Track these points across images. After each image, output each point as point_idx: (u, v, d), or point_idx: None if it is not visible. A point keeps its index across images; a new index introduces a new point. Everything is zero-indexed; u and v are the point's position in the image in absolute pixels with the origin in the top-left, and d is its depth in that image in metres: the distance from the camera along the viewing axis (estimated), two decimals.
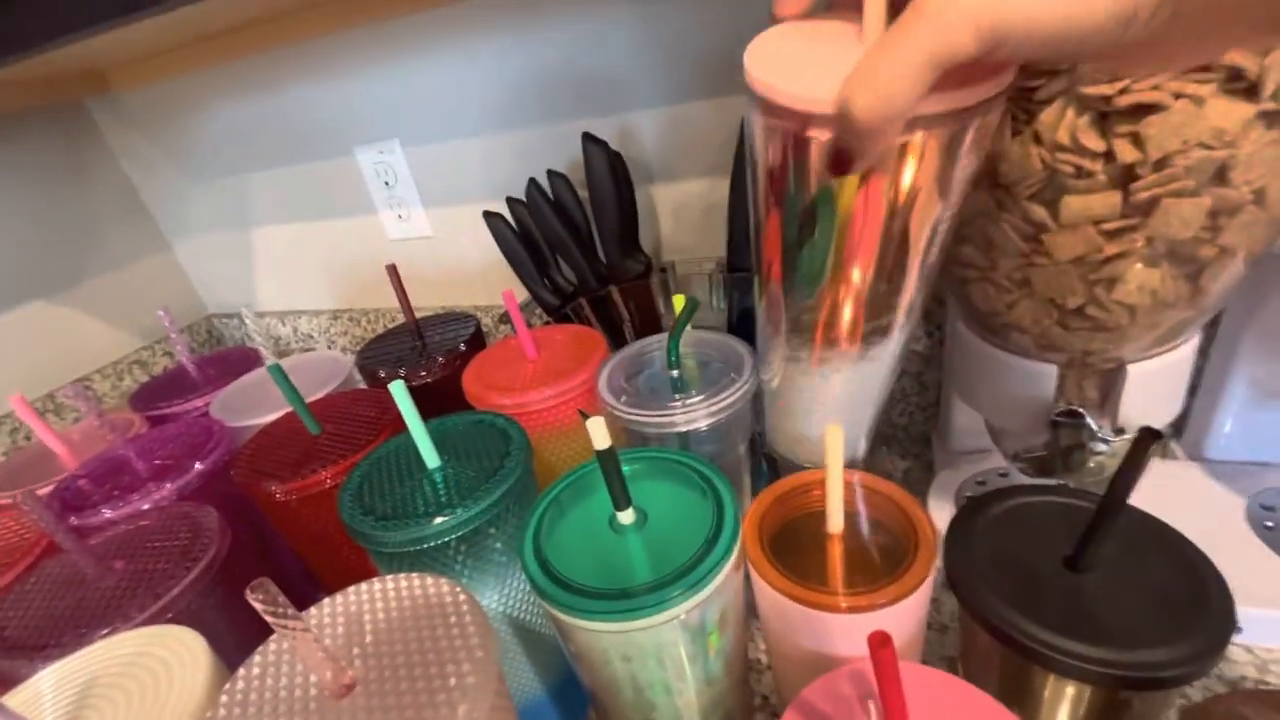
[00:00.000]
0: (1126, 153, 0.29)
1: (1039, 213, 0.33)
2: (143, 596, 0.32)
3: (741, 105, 0.53)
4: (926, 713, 0.25)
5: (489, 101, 0.68)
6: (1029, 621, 0.27)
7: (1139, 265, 0.32)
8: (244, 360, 0.61)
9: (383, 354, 0.55)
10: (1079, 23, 0.17)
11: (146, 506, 0.40)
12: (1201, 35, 0.18)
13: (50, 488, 0.42)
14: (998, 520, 0.32)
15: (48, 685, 0.26)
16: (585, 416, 0.31)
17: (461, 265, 0.82)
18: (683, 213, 0.66)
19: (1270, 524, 0.47)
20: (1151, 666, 0.25)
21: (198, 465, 0.43)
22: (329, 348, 0.97)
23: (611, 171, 0.55)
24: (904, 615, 0.29)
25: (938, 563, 0.29)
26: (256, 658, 0.26)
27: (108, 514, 0.40)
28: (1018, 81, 0.31)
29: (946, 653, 0.43)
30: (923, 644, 0.33)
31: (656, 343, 0.47)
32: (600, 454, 0.28)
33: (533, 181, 0.59)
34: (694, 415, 0.38)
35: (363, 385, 0.53)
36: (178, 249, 1.01)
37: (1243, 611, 0.41)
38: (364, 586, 0.28)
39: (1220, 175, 0.29)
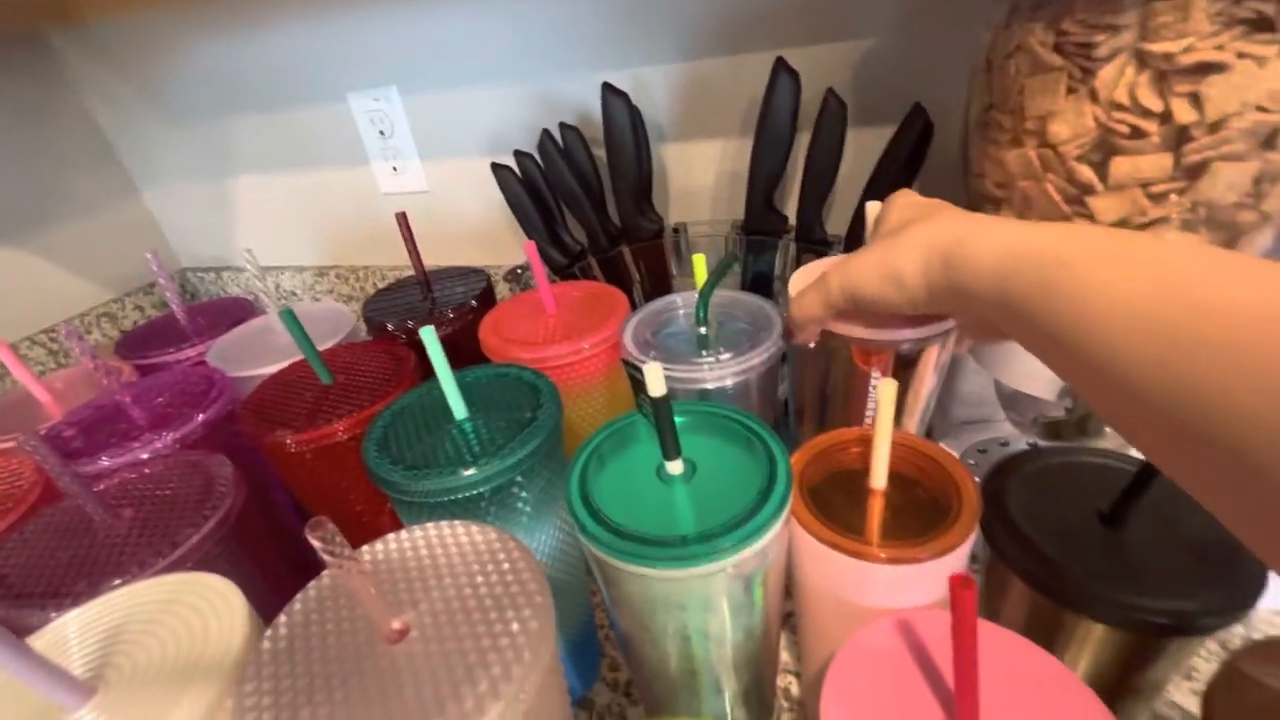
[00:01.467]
0: (1184, 113, 0.29)
1: (1086, 174, 0.33)
2: (158, 544, 0.30)
3: (762, 64, 0.51)
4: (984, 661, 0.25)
5: (494, 49, 0.65)
6: (1065, 570, 0.28)
7: (1177, 231, 0.33)
8: (235, 310, 0.58)
9: (390, 306, 0.53)
10: (894, 303, 0.29)
11: (146, 456, 0.38)
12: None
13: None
14: (1030, 478, 0.33)
15: (72, 630, 0.24)
16: (629, 366, 0.30)
17: (457, 223, 0.79)
18: (694, 174, 0.65)
19: None
20: (1188, 614, 0.26)
21: (200, 415, 0.41)
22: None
23: (632, 125, 0.53)
24: (945, 570, 0.29)
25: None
26: (297, 604, 0.25)
27: (105, 462, 0.37)
28: (1077, 38, 0.31)
29: None
30: None
31: (679, 300, 0.46)
32: (655, 400, 0.27)
33: (546, 133, 0.56)
34: (722, 372, 0.38)
35: (367, 339, 0.51)
36: (148, 198, 0.95)
37: None
38: (406, 534, 0.27)
39: (1270, 140, 0.29)
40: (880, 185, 0.52)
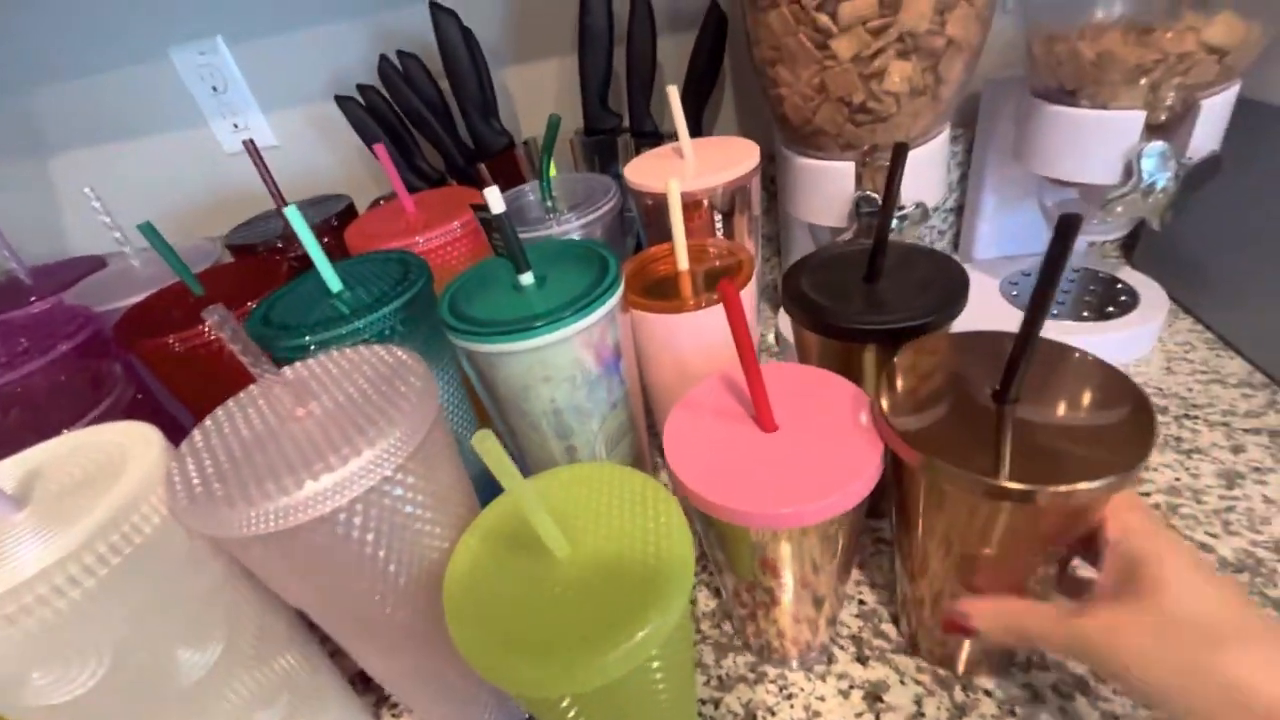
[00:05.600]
0: None
1: (824, 20, 0.41)
2: (54, 428, 0.32)
3: None
4: (781, 388, 0.33)
5: None
6: (833, 311, 0.36)
7: (897, 60, 0.42)
8: (85, 265, 0.57)
9: (253, 234, 0.54)
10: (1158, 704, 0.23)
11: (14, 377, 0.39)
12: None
13: None
14: (816, 266, 0.41)
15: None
16: (476, 209, 0.36)
17: (314, 175, 0.79)
18: (536, 92, 0.70)
19: (1015, 293, 0.62)
20: (917, 324, 0.35)
21: (64, 345, 0.41)
22: None
23: (465, 42, 0.57)
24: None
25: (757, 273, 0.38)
26: (208, 422, 0.29)
27: None
28: None
29: None
30: (757, 337, 0.43)
31: (528, 188, 0.51)
32: (497, 218, 0.32)
33: (384, 58, 0.59)
34: (568, 227, 0.44)
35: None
36: None
37: None
38: (301, 362, 0.32)
39: None
40: (694, 77, 0.59)
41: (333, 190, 0.80)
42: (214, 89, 0.73)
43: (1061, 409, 0.28)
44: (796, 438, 0.31)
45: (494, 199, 0.32)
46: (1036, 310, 0.26)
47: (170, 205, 0.84)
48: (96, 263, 0.58)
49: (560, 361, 0.32)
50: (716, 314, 0.36)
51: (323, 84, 0.72)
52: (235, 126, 0.76)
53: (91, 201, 0.45)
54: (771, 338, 0.66)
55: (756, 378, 0.30)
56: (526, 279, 0.34)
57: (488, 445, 0.22)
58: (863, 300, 0.38)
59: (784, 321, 0.66)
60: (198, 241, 0.55)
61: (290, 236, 0.52)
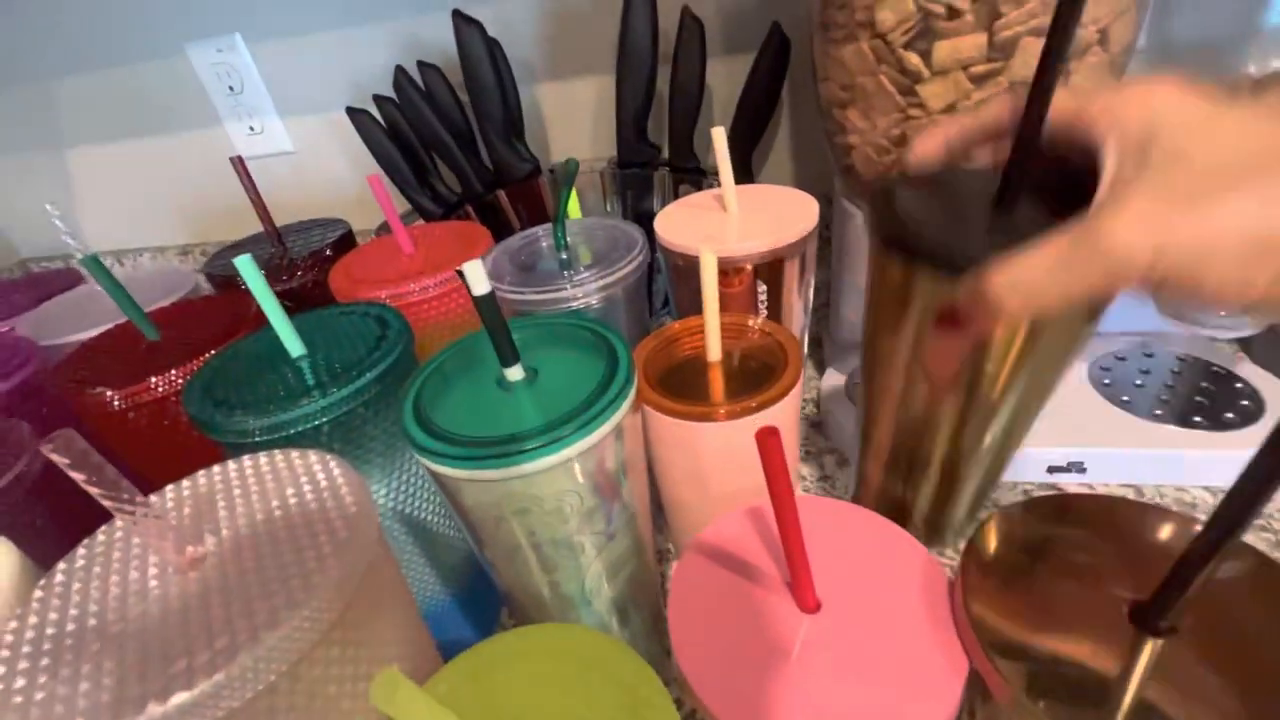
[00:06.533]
0: None
1: (914, 61, 0.33)
2: None
3: None
4: (826, 539, 0.25)
5: None
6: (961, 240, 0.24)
7: None
8: (59, 280, 0.52)
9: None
10: (1247, 302, 0.17)
11: None
12: None
13: None
14: (919, 188, 0.28)
15: None
16: (460, 275, 0.29)
17: (331, 185, 0.74)
18: (571, 113, 0.63)
19: (1107, 381, 0.52)
20: None
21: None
22: None
23: (490, 56, 0.51)
24: (777, 418, 0.30)
25: (803, 375, 0.31)
26: (80, 550, 0.22)
27: None
28: None
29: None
30: (798, 450, 0.35)
31: (542, 231, 0.44)
32: (478, 300, 0.25)
33: (400, 70, 0.53)
34: (586, 289, 0.37)
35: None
36: None
37: (1085, 452, 0.46)
38: (215, 469, 0.25)
39: None
40: (747, 108, 0.51)
41: (351, 205, 0.75)
42: (230, 89, 0.69)
43: (1232, 653, 0.20)
44: (845, 625, 0.23)
45: (475, 278, 0.25)
46: (1230, 528, 0.18)
47: (184, 204, 0.80)
48: (69, 279, 0.54)
49: (544, 492, 0.25)
50: (752, 425, 0.28)
51: (344, 90, 0.67)
52: (251, 130, 0.71)
53: (53, 218, 0.40)
54: (813, 405, 0.58)
55: (798, 547, 0.22)
56: (514, 374, 0.27)
57: (390, 700, 0.14)
58: (995, 231, 0.24)
59: (829, 380, 0.58)
60: (175, 264, 0.49)
61: (279, 267, 0.46)
